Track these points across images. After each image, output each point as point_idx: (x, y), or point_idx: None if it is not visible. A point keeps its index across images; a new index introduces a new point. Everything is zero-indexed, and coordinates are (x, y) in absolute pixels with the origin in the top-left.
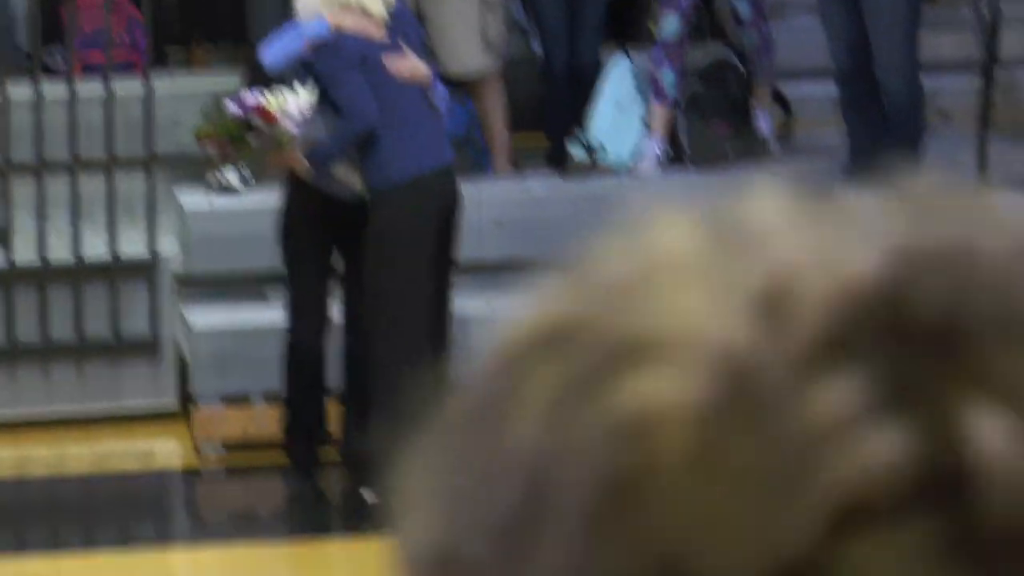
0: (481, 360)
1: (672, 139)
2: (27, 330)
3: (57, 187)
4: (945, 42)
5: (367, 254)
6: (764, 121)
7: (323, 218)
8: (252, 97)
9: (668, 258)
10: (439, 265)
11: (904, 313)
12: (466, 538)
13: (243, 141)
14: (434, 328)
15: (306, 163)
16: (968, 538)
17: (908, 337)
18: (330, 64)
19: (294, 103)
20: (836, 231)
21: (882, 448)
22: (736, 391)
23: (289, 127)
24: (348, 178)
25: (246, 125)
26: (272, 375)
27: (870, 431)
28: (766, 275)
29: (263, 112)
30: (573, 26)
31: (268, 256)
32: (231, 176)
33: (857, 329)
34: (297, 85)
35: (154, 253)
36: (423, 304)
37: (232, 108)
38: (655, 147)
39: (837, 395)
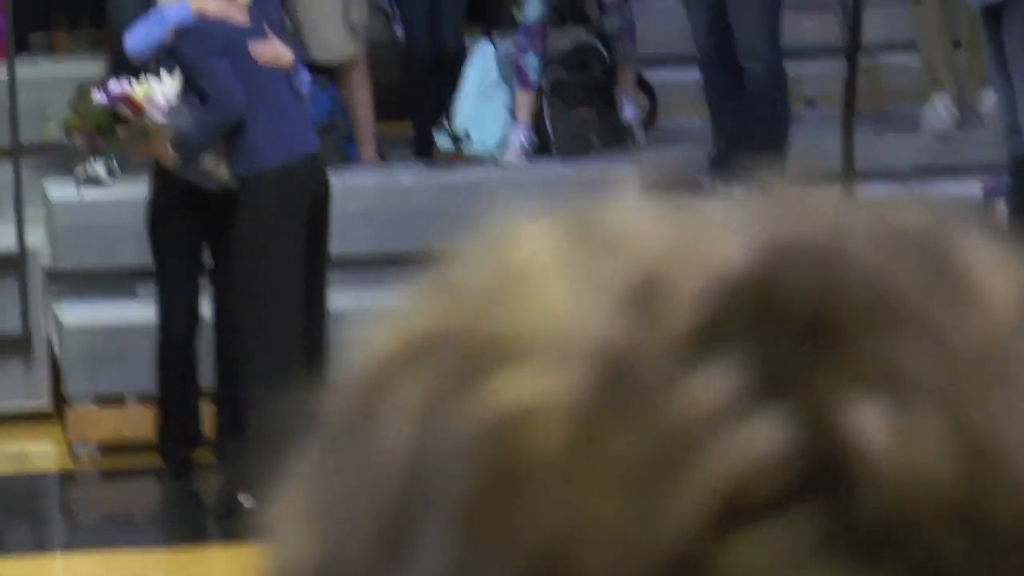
0: (349, 375)
1: (537, 126)
2: None
3: None
4: (808, 26)
5: (235, 244)
6: (628, 107)
7: (192, 210)
8: (118, 86)
9: (529, 261)
10: (310, 258)
11: (776, 302)
12: (341, 549)
13: (110, 131)
14: (307, 325)
15: (173, 152)
16: (849, 531)
17: (781, 325)
18: (194, 50)
19: (160, 91)
20: (701, 227)
21: (759, 438)
22: (610, 383)
23: (155, 116)
24: (215, 167)
25: (113, 115)
26: (146, 374)
27: (746, 420)
28: (634, 270)
29: (129, 101)
30: (435, 11)
31: (139, 249)
32: (98, 167)
33: (729, 317)
34: (163, 72)
35: (22, 247)
36: (294, 297)
37: (98, 97)
38: (520, 135)
39: (711, 383)
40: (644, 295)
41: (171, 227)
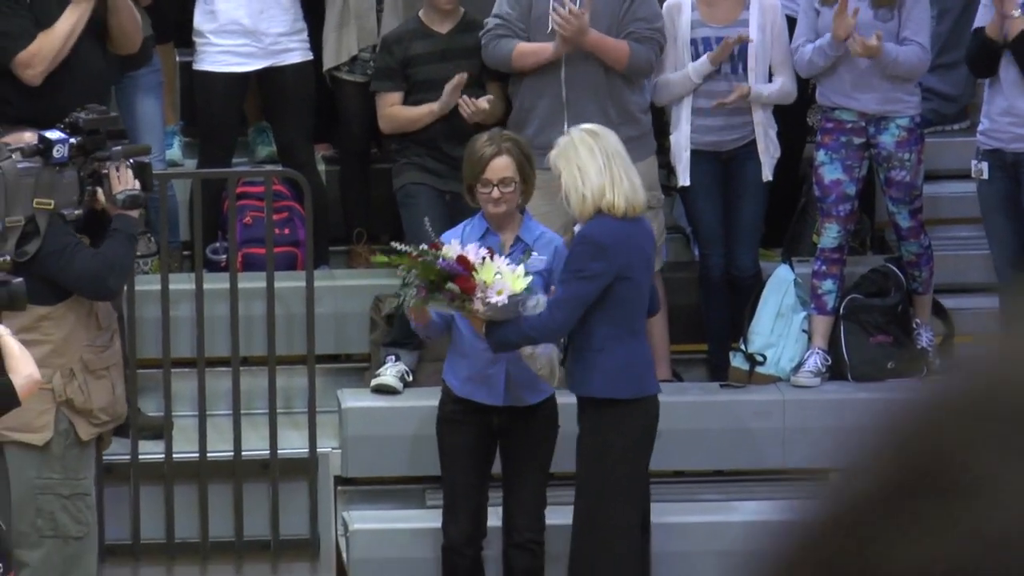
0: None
1: (832, 350)
2: (186, 526)
3: (217, 382)
4: None
5: (580, 471)
6: (925, 334)
7: (481, 417)
8: (473, 254)
9: None
10: None
11: None
12: None
13: (436, 291)
14: None
15: (484, 337)
16: None
17: None
18: (581, 261)
19: (500, 286)
20: None
21: None
22: None
23: (477, 305)
24: (546, 369)
25: (447, 277)
26: None
27: None
28: None
29: (464, 281)
30: (731, 234)
31: (430, 458)
32: (391, 375)
33: None
34: (521, 267)
35: (314, 452)
36: (635, 527)
37: (444, 258)
38: (816, 359)
39: None
40: None
41: (460, 433)
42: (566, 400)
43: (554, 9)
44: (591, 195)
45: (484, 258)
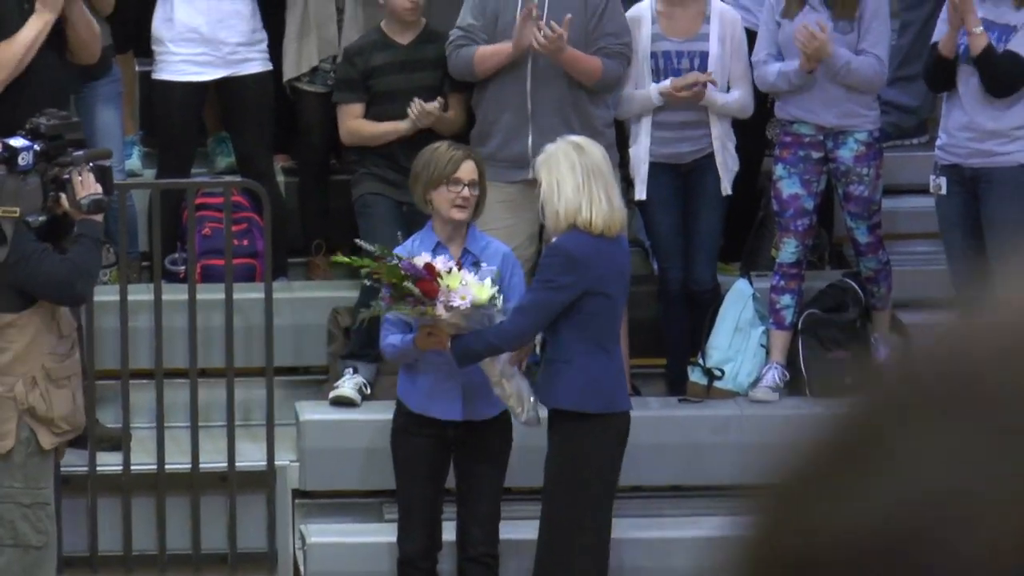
0: None
1: (791, 365)
2: (143, 538)
3: (175, 393)
4: None
5: (548, 477)
6: (883, 349)
7: (435, 431)
8: (434, 263)
9: None
10: None
11: None
12: None
13: (400, 295)
14: None
15: (450, 350)
16: None
17: None
18: (548, 272)
19: (464, 292)
20: None
21: None
22: None
23: (439, 310)
24: (506, 394)
25: (412, 281)
26: None
27: None
28: None
29: (427, 284)
30: (689, 248)
31: (388, 471)
32: (349, 388)
33: None
34: (487, 279)
35: (272, 465)
36: (599, 544)
37: (406, 262)
38: (774, 373)
39: None
40: None
41: (414, 447)
42: None
43: (528, 20)
44: (563, 212)
45: (451, 268)
